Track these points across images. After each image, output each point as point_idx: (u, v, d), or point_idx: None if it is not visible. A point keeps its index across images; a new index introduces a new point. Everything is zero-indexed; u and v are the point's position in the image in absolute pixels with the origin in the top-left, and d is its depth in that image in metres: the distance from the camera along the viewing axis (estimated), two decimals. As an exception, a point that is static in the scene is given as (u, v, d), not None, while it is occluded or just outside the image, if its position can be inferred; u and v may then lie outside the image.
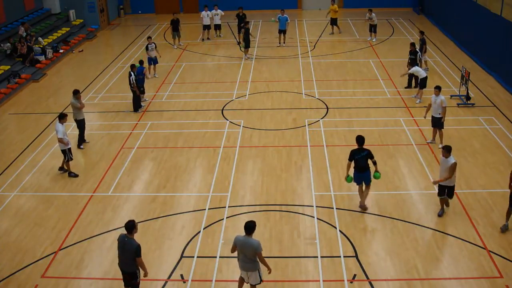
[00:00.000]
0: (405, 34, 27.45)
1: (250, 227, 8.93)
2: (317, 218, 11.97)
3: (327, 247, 11.03)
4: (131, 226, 9.00)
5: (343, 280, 10.08)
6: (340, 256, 10.73)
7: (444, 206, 12.08)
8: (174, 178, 13.99)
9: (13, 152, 15.80)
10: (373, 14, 26.06)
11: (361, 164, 11.91)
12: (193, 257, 10.89)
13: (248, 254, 8.94)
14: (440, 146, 15.03)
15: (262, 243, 11.18)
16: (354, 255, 10.79)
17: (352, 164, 11.99)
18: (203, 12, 26.85)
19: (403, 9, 33.40)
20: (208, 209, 12.55)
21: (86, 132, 16.03)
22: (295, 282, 10.14)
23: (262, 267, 9.17)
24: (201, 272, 10.46)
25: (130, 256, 9.00)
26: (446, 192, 11.71)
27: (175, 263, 10.71)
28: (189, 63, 23.74)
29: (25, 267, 10.78)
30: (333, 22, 27.55)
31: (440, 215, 11.92)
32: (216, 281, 10.22)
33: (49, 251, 11.24)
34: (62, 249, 11.31)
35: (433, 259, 10.55)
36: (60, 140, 13.99)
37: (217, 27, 27.65)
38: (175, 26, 25.77)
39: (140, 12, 34.40)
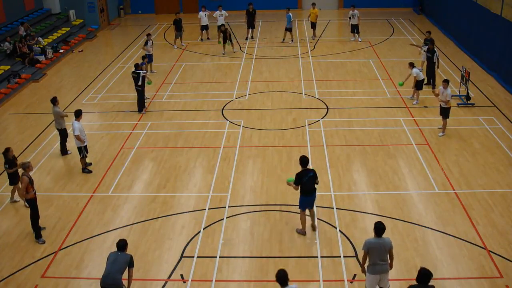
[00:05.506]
0: (405, 34, 27.43)
1: (382, 228, 8.76)
2: (317, 218, 11.96)
3: (327, 247, 11.03)
4: (124, 245, 9.07)
5: (343, 280, 10.08)
6: (340, 256, 10.73)
7: None
8: (174, 178, 13.99)
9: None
10: (356, 11, 25.51)
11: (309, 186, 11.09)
12: (193, 257, 10.89)
13: (383, 255, 8.78)
14: (440, 134, 15.56)
15: (262, 243, 11.26)
16: (354, 255, 10.79)
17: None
18: (201, 13, 26.76)
19: (403, 9, 33.39)
20: (208, 209, 12.55)
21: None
22: (295, 282, 10.12)
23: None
24: (201, 272, 10.46)
25: (121, 267, 8.89)
26: None
27: (175, 263, 10.71)
28: (189, 63, 23.72)
29: (25, 267, 10.78)
30: (313, 26, 27.09)
31: None
32: (216, 281, 10.22)
33: (49, 251, 11.24)
34: (62, 249, 11.31)
35: (433, 259, 10.55)
36: (77, 137, 13.97)
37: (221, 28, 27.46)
38: (178, 26, 25.74)
39: (140, 12, 34.38)
